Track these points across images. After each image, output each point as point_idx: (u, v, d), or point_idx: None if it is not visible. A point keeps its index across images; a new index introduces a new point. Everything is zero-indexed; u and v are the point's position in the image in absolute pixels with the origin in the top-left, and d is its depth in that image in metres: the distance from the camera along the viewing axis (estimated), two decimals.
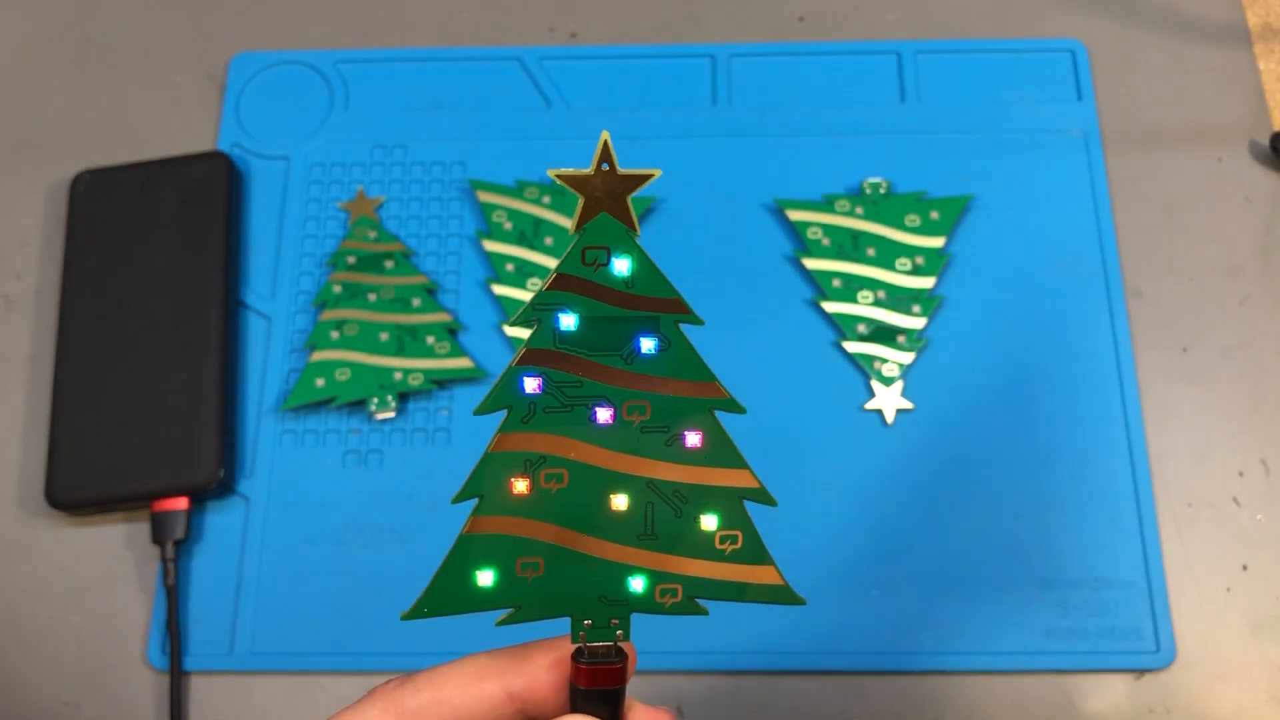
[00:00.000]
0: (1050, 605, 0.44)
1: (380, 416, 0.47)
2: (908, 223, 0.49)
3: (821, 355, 0.48)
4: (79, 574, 0.46)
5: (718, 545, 0.24)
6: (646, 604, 0.24)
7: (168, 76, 0.54)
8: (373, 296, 0.48)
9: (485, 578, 0.24)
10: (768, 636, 0.44)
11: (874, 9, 0.55)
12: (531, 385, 0.23)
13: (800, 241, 0.49)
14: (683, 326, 0.23)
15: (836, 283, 0.48)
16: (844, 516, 0.45)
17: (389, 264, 0.49)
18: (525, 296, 0.49)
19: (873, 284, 0.48)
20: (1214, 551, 0.45)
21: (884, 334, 0.47)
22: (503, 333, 0.48)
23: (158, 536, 0.45)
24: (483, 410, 0.24)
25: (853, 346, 0.47)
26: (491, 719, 0.24)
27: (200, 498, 0.46)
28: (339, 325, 0.48)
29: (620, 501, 0.24)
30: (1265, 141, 0.51)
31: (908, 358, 0.47)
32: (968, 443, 0.46)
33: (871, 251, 0.49)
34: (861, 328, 0.48)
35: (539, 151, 0.51)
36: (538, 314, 0.23)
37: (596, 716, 0.24)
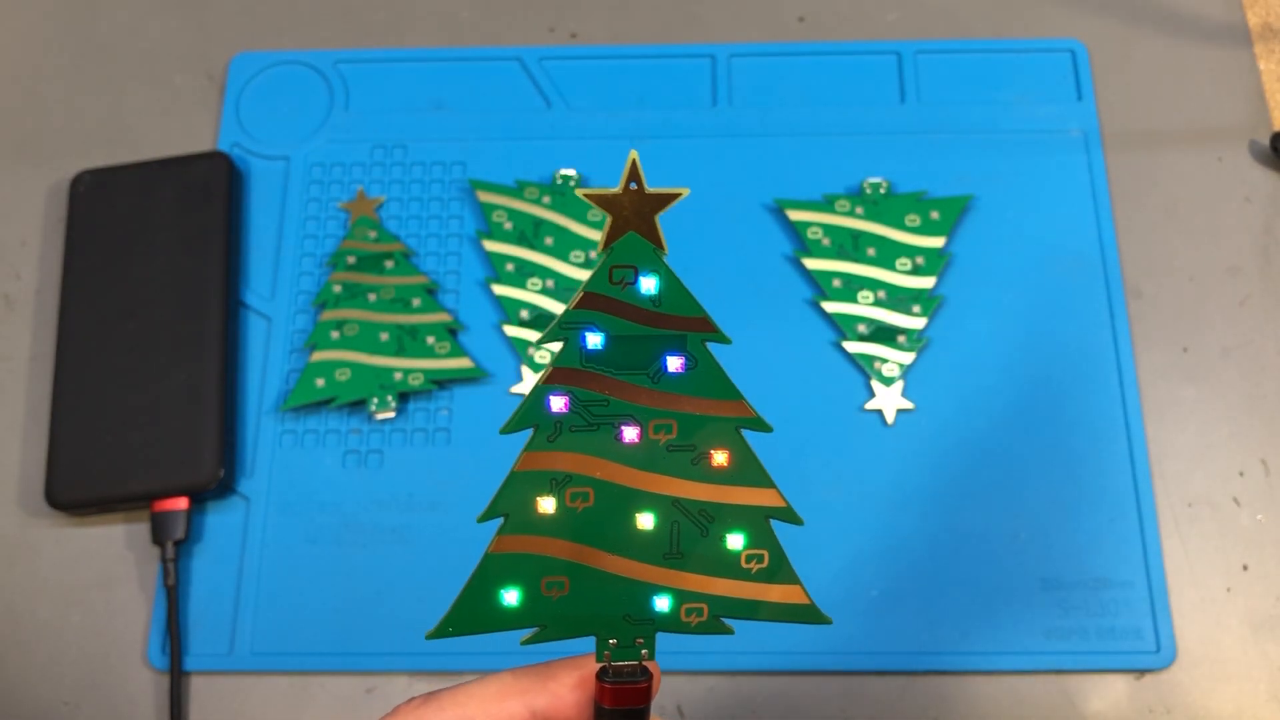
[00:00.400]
0: (1051, 605, 0.44)
1: (380, 416, 0.47)
2: (908, 223, 0.49)
3: (821, 355, 0.48)
4: (79, 574, 0.46)
5: (744, 564, 0.24)
6: (672, 623, 0.24)
7: (168, 77, 0.54)
8: (373, 296, 0.48)
9: (511, 597, 0.24)
10: (768, 637, 0.44)
11: (874, 9, 0.55)
12: (558, 404, 0.23)
13: (800, 241, 0.49)
14: (710, 345, 0.23)
15: (836, 283, 0.48)
16: (844, 516, 0.45)
17: (389, 264, 0.49)
18: (525, 296, 0.49)
19: (873, 284, 0.48)
20: (1214, 551, 0.45)
21: (884, 334, 0.47)
22: (503, 333, 0.48)
23: (158, 536, 0.45)
24: (509, 429, 0.23)
25: (853, 346, 0.47)
26: None
27: (200, 498, 0.46)
28: (339, 325, 0.48)
29: (646, 520, 0.24)
30: (1265, 141, 0.51)
31: (908, 358, 0.47)
32: (968, 443, 0.46)
33: (871, 251, 0.49)
34: (861, 328, 0.48)
35: (539, 151, 0.51)
36: (565, 332, 0.23)
37: None
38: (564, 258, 0.49)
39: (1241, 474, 0.46)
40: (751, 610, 0.24)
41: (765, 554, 0.24)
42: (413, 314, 0.48)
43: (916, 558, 0.45)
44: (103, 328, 0.48)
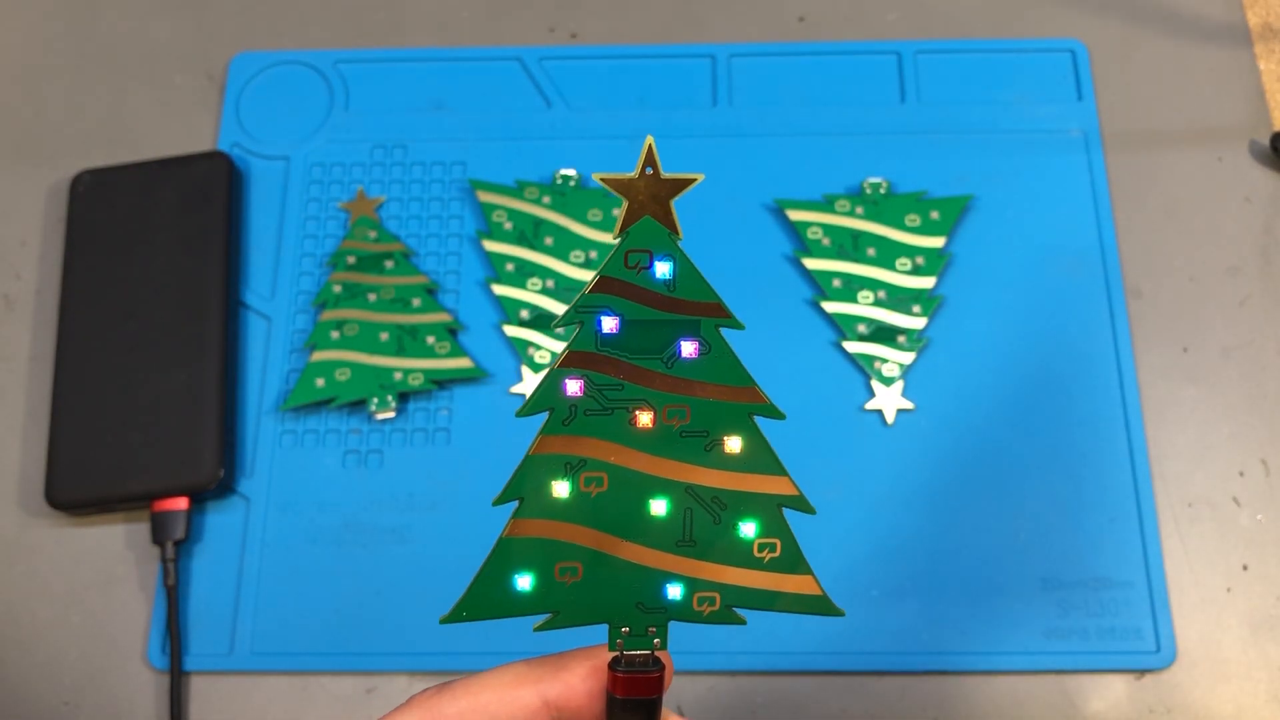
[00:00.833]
0: (1051, 605, 0.44)
1: (380, 416, 0.47)
2: (908, 223, 0.49)
3: (821, 355, 0.48)
4: (79, 574, 0.46)
5: (756, 553, 0.24)
6: (684, 612, 0.24)
7: (168, 77, 0.54)
8: (373, 296, 0.48)
9: (524, 582, 0.24)
10: (768, 637, 0.44)
11: (874, 9, 0.55)
12: (573, 388, 0.23)
13: (800, 241, 0.49)
14: (723, 331, 0.24)
15: (836, 283, 0.48)
16: (844, 516, 0.45)
17: (389, 264, 0.49)
18: (525, 296, 0.49)
19: (873, 284, 0.48)
20: (1214, 551, 0.45)
21: (884, 334, 0.47)
22: (503, 333, 0.48)
23: (158, 536, 0.45)
24: (525, 412, 0.24)
25: (853, 346, 0.47)
26: None
27: (200, 498, 0.46)
28: (339, 325, 0.48)
29: (659, 507, 0.24)
30: (1265, 141, 0.51)
31: (908, 358, 0.47)
32: (968, 443, 0.46)
33: (871, 251, 0.49)
34: (861, 328, 0.48)
35: (539, 151, 0.51)
36: (580, 316, 0.23)
37: None
38: (564, 258, 0.49)
39: (1241, 474, 0.46)
40: (764, 600, 0.24)
41: (778, 543, 0.24)
42: (413, 314, 0.48)
43: (916, 558, 0.45)
44: (103, 328, 0.48)
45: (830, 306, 0.48)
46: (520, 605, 0.24)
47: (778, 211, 0.50)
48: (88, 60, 0.55)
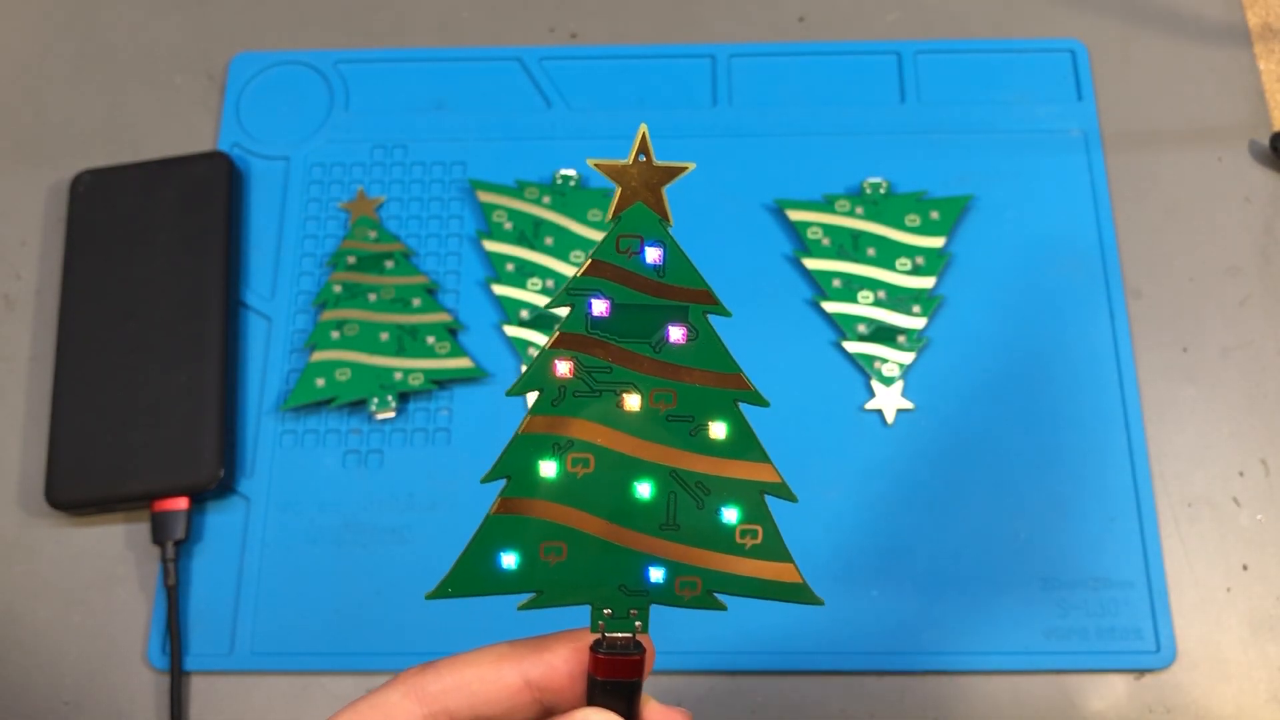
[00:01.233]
0: (1050, 605, 0.44)
1: (380, 416, 0.47)
2: (908, 223, 0.49)
3: (821, 355, 0.48)
4: (79, 574, 0.46)
5: (738, 539, 0.24)
6: (665, 596, 0.24)
7: (168, 77, 0.54)
8: (373, 296, 0.48)
9: (509, 560, 0.24)
10: (768, 636, 0.44)
11: (874, 9, 0.55)
12: (563, 368, 0.24)
13: (800, 241, 0.49)
14: (711, 318, 0.24)
15: (836, 283, 0.48)
16: (844, 516, 0.45)
17: (389, 264, 0.49)
18: (525, 296, 0.49)
19: (873, 284, 0.48)
20: (1214, 551, 0.45)
21: (884, 334, 0.47)
22: (503, 333, 0.48)
23: (158, 536, 0.45)
24: (515, 391, 0.24)
25: (853, 346, 0.47)
26: (509, 706, 0.24)
27: (200, 498, 0.46)
28: (339, 325, 0.48)
29: (644, 490, 0.24)
30: (1265, 141, 0.51)
31: (908, 358, 0.47)
32: (968, 443, 0.46)
33: (871, 251, 0.49)
34: (861, 328, 0.48)
35: (539, 151, 0.51)
36: (572, 298, 0.23)
37: (613, 710, 0.24)
38: (564, 258, 0.49)
39: (1241, 474, 0.46)
40: (744, 587, 0.24)
41: (760, 530, 0.24)
42: (413, 314, 0.48)
43: (916, 557, 0.45)
44: (103, 328, 0.48)
45: (830, 306, 0.48)
46: (505, 583, 0.24)
47: (778, 211, 0.50)
48: (88, 60, 0.55)
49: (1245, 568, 0.45)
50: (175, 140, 0.52)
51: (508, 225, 0.50)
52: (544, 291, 0.49)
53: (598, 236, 0.49)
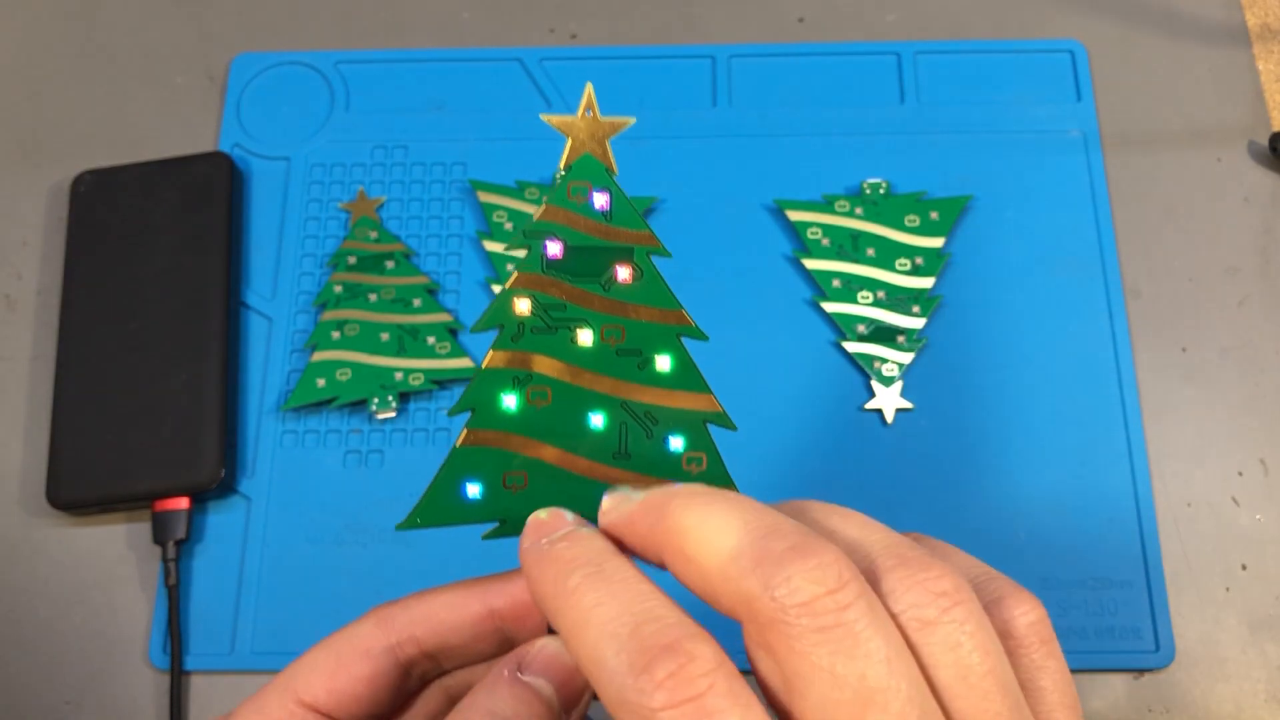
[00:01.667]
0: (1050, 605, 0.44)
1: (381, 416, 0.47)
2: (907, 223, 0.49)
3: (821, 355, 0.48)
4: (80, 574, 0.46)
5: (685, 466, 0.25)
6: None
7: (169, 77, 0.54)
8: (373, 297, 0.49)
9: (474, 490, 0.25)
10: None
11: (874, 9, 0.55)
12: (522, 306, 0.25)
13: (800, 241, 0.49)
14: (654, 259, 0.26)
15: (836, 283, 0.48)
16: None
17: (390, 264, 0.49)
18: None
19: (872, 284, 0.48)
20: (1213, 551, 0.45)
21: (884, 334, 0.47)
22: None
23: (159, 536, 0.45)
24: (479, 328, 0.26)
25: (853, 346, 0.47)
26: (473, 634, 0.25)
27: (201, 498, 0.46)
28: (340, 325, 0.48)
29: (598, 420, 0.25)
30: (1264, 142, 0.51)
31: (907, 358, 0.47)
32: (967, 443, 0.46)
33: (871, 252, 0.49)
34: (861, 328, 0.48)
35: (539, 152, 0.52)
36: (529, 240, 0.25)
37: None
38: None
39: (1240, 474, 0.46)
40: None
41: (704, 457, 0.25)
42: (413, 314, 0.48)
43: None
44: (104, 328, 0.48)
45: (830, 306, 0.48)
46: (470, 513, 0.25)
47: (778, 211, 0.50)
48: (88, 60, 0.55)
49: (1244, 568, 0.45)
50: (176, 140, 0.53)
51: (508, 225, 0.50)
52: None
53: None
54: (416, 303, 0.49)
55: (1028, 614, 0.21)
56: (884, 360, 0.47)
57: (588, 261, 0.25)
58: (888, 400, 0.47)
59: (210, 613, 0.45)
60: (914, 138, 0.51)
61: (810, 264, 0.49)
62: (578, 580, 0.21)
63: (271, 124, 0.53)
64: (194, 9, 0.56)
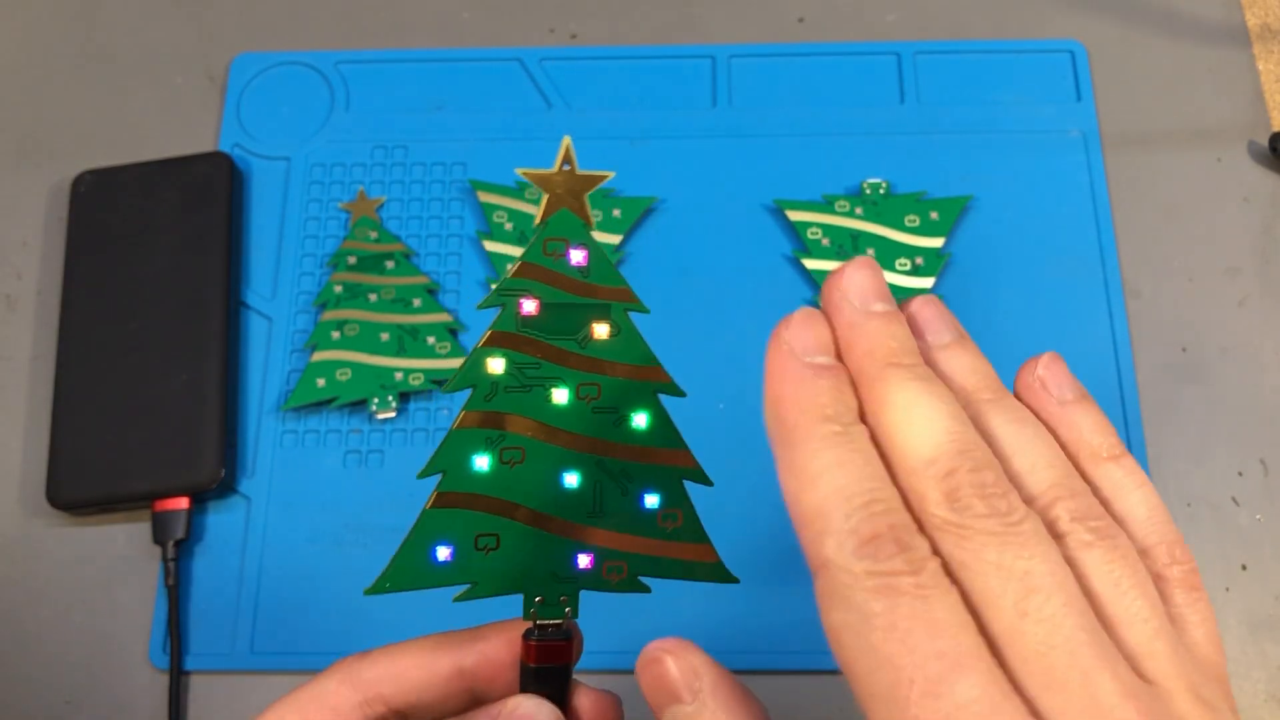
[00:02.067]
0: None
1: (381, 416, 0.47)
2: (907, 223, 0.49)
3: None
4: (80, 574, 0.46)
5: (660, 523, 0.25)
6: (594, 581, 0.25)
7: (169, 77, 0.54)
8: (373, 297, 0.49)
9: (444, 553, 0.25)
10: (766, 636, 0.44)
11: (874, 9, 0.55)
12: (495, 366, 0.25)
13: (800, 241, 0.49)
14: (631, 315, 0.25)
15: None
16: None
17: (390, 264, 0.49)
18: None
19: None
20: (1213, 551, 0.45)
21: None
22: None
23: (159, 536, 0.45)
24: (451, 388, 0.25)
25: None
26: (442, 693, 0.25)
27: (201, 497, 0.46)
28: (340, 325, 0.48)
29: (572, 480, 0.25)
30: (1264, 142, 0.51)
31: None
32: None
33: (871, 252, 0.49)
34: None
35: (539, 152, 0.52)
36: (503, 299, 0.25)
37: (544, 696, 0.25)
38: None
39: (1240, 474, 0.46)
40: (666, 569, 0.25)
41: (680, 513, 0.25)
42: (413, 314, 0.48)
43: None
44: (104, 328, 0.48)
45: None
46: (440, 576, 0.25)
47: (777, 212, 0.50)
48: (88, 60, 0.55)
49: (1244, 567, 0.45)
50: (176, 140, 0.53)
51: (508, 225, 0.50)
52: None
53: (599, 236, 0.49)
54: (416, 303, 0.49)
55: (1183, 563, 0.22)
56: None
57: (564, 319, 0.25)
58: None
59: (210, 613, 0.45)
60: (914, 138, 0.51)
61: (810, 264, 0.49)
62: (825, 432, 0.21)
63: (271, 124, 0.53)
64: (194, 9, 0.56)
